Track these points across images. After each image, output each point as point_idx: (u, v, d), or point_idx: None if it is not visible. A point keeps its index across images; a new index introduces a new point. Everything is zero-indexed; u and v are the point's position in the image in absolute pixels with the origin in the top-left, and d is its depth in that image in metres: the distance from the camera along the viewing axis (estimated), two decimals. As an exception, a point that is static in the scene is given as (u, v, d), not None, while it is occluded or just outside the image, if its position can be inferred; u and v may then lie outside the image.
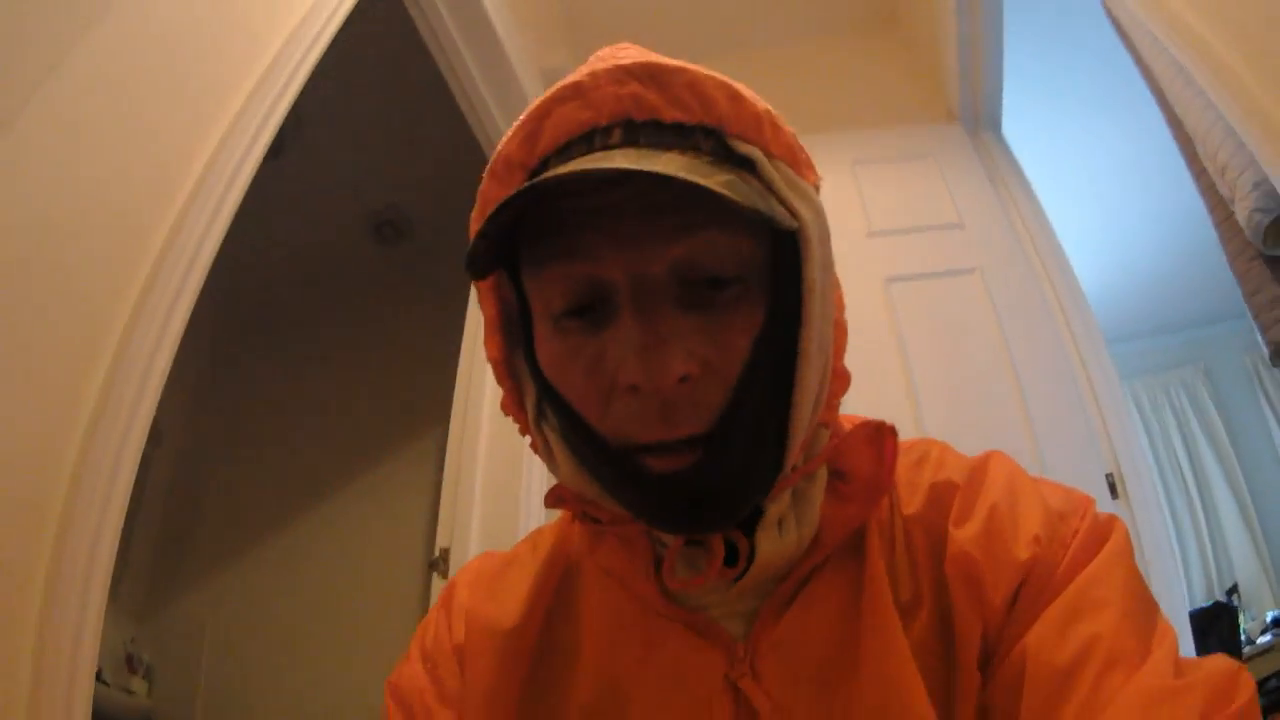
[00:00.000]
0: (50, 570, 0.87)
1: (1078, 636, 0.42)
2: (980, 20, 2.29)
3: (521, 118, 0.47)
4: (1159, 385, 5.02)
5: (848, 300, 0.53)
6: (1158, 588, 1.51)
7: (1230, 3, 1.08)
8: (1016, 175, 2.44)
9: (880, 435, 0.50)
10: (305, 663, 2.44)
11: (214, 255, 1.15)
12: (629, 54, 0.47)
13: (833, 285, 0.50)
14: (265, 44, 1.33)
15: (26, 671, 0.82)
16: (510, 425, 0.55)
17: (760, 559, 0.47)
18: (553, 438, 0.49)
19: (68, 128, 0.99)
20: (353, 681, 2.23)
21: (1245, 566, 4.35)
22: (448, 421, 2.04)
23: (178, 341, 1.07)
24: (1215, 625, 2.88)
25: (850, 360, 0.53)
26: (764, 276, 0.45)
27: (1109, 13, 1.42)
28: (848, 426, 0.51)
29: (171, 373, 1.06)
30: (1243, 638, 3.14)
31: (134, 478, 0.98)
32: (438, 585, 1.80)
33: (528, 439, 0.53)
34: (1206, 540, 4.51)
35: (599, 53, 0.49)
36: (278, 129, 1.29)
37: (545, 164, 0.46)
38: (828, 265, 0.48)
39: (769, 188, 0.45)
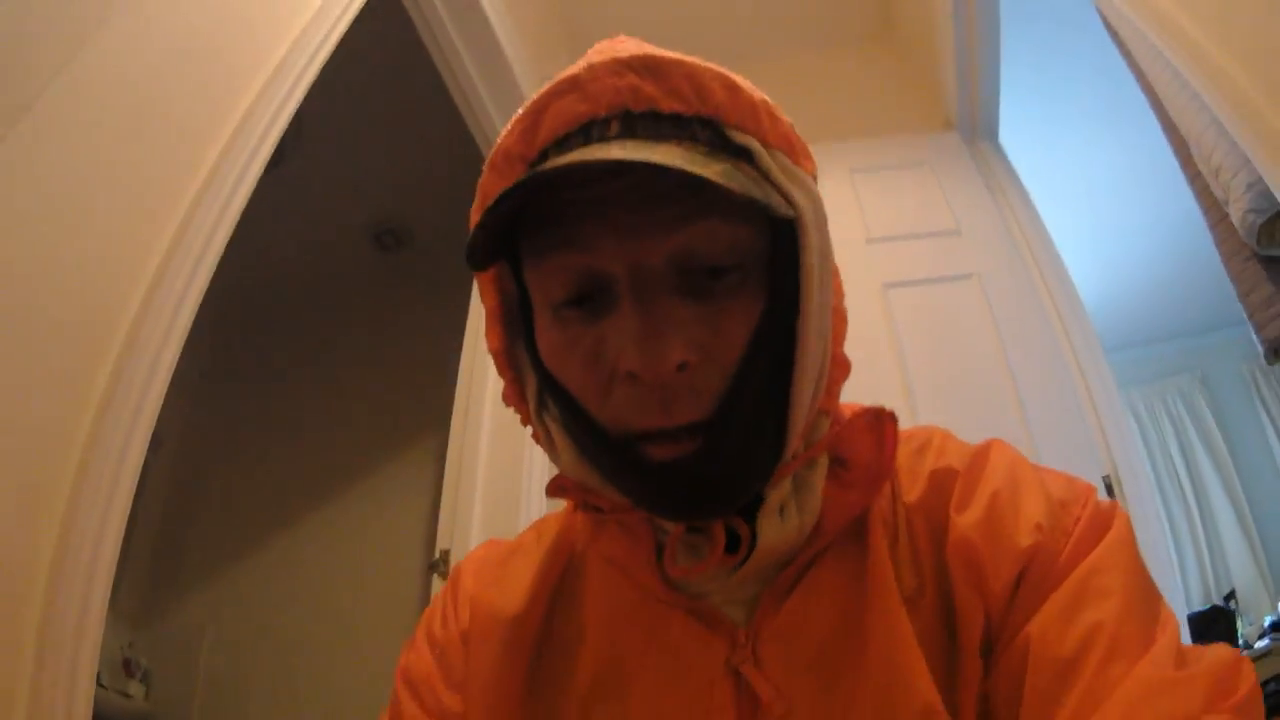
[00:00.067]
0: (52, 570, 0.87)
1: (1081, 625, 0.42)
2: (977, 30, 2.30)
3: (520, 111, 0.48)
4: (1156, 394, 5.03)
5: (846, 305, 0.53)
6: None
7: (1223, 6, 1.10)
8: (1013, 183, 2.45)
9: (880, 421, 0.50)
10: (304, 667, 2.44)
11: (218, 260, 1.15)
12: (626, 47, 0.48)
13: (831, 273, 0.50)
14: (270, 51, 1.34)
15: (27, 671, 0.82)
16: (511, 428, 0.56)
17: (762, 546, 0.47)
18: (554, 428, 0.50)
19: (71, 132, 1.00)
20: (352, 686, 2.22)
21: (1242, 572, 4.34)
22: (447, 426, 2.04)
23: (181, 345, 1.08)
24: (1212, 629, 2.88)
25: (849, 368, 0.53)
26: (762, 265, 0.46)
27: (1104, 19, 1.44)
28: (848, 414, 0.51)
29: (171, 377, 1.06)
30: (1240, 643, 3.14)
31: (137, 479, 0.99)
32: (438, 587, 1.80)
33: (529, 437, 0.54)
34: (1204, 547, 4.51)
35: (597, 46, 0.50)
36: (280, 136, 1.30)
37: (544, 156, 0.46)
38: (826, 253, 0.48)
39: (766, 177, 0.45)
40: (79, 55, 1.02)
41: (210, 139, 1.19)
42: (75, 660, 0.86)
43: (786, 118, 0.50)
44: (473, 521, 1.82)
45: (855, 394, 0.54)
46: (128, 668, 2.36)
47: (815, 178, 0.51)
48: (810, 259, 0.46)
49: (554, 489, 0.52)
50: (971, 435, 0.58)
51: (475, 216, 0.48)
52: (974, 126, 2.55)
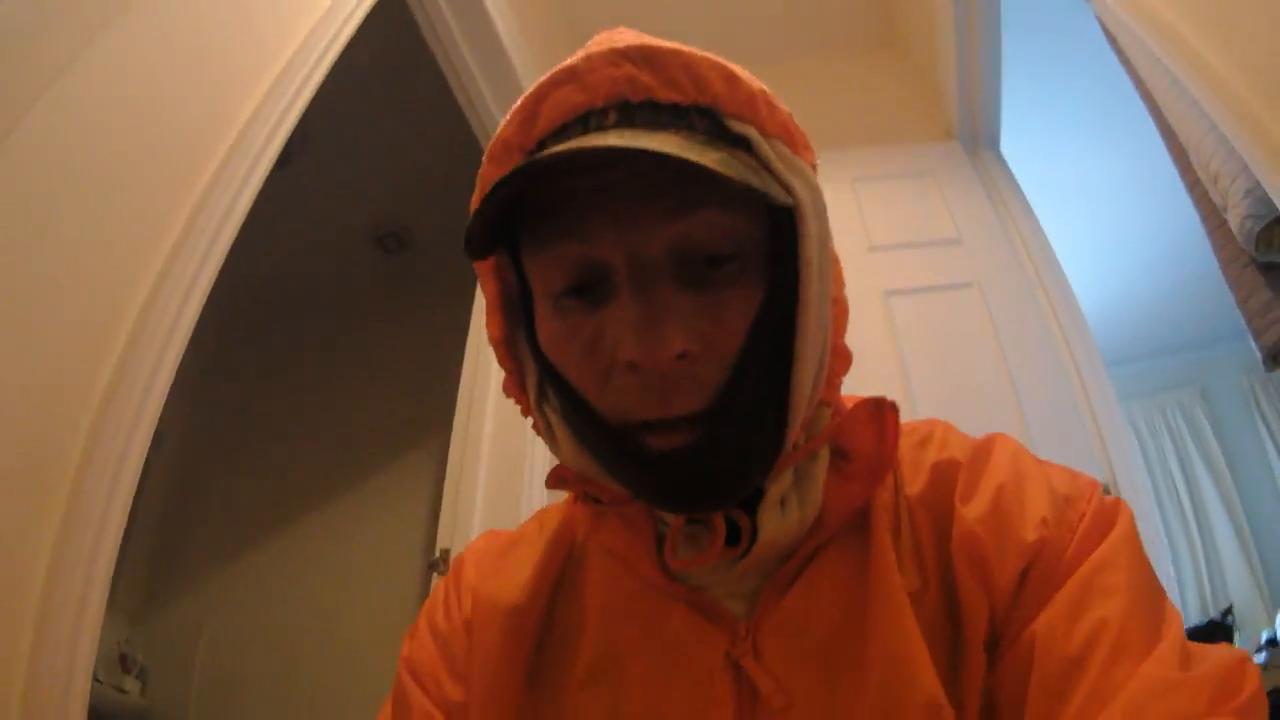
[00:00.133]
0: (52, 563, 0.87)
1: (1086, 623, 0.42)
2: (979, 41, 2.31)
3: (519, 102, 0.48)
4: (1155, 407, 5.03)
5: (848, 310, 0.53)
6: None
7: (1221, 12, 1.10)
8: (1014, 192, 2.46)
9: (881, 412, 0.50)
10: (301, 665, 2.43)
11: (223, 258, 1.15)
12: (625, 37, 0.48)
13: (831, 262, 0.49)
14: (278, 51, 1.34)
15: (23, 663, 0.81)
16: (513, 429, 0.56)
17: (763, 538, 0.47)
18: (554, 418, 0.49)
19: (78, 130, 1.00)
20: (348, 684, 2.22)
21: (1240, 587, 4.33)
22: (447, 428, 2.04)
23: (186, 342, 1.08)
24: (1209, 644, 2.87)
25: (849, 371, 0.53)
26: (761, 254, 0.46)
27: (1104, 27, 1.44)
28: (849, 405, 0.51)
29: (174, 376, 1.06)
30: (1238, 658, 3.12)
31: (139, 475, 0.99)
32: (437, 588, 1.79)
33: (531, 437, 0.54)
34: (1202, 561, 4.50)
35: (596, 37, 0.50)
36: (287, 138, 1.30)
37: (542, 146, 0.46)
38: (825, 242, 0.48)
39: (765, 166, 0.45)
40: (87, 52, 1.02)
41: (217, 139, 1.19)
42: (72, 654, 0.86)
43: (785, 107, 0.50)
44: (474, 521, 1.81)
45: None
46: (124, 663, 2.36)
47: (815, 168, 0.51)
48: (809, 248, 0.46)
49: (554, 480, 0.52)
50: (970, 439, 0.57)
51: (474, 206, 0.48)
52: (975, 136, 2.55)
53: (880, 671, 0.44)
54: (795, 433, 0.47)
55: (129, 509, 0.96)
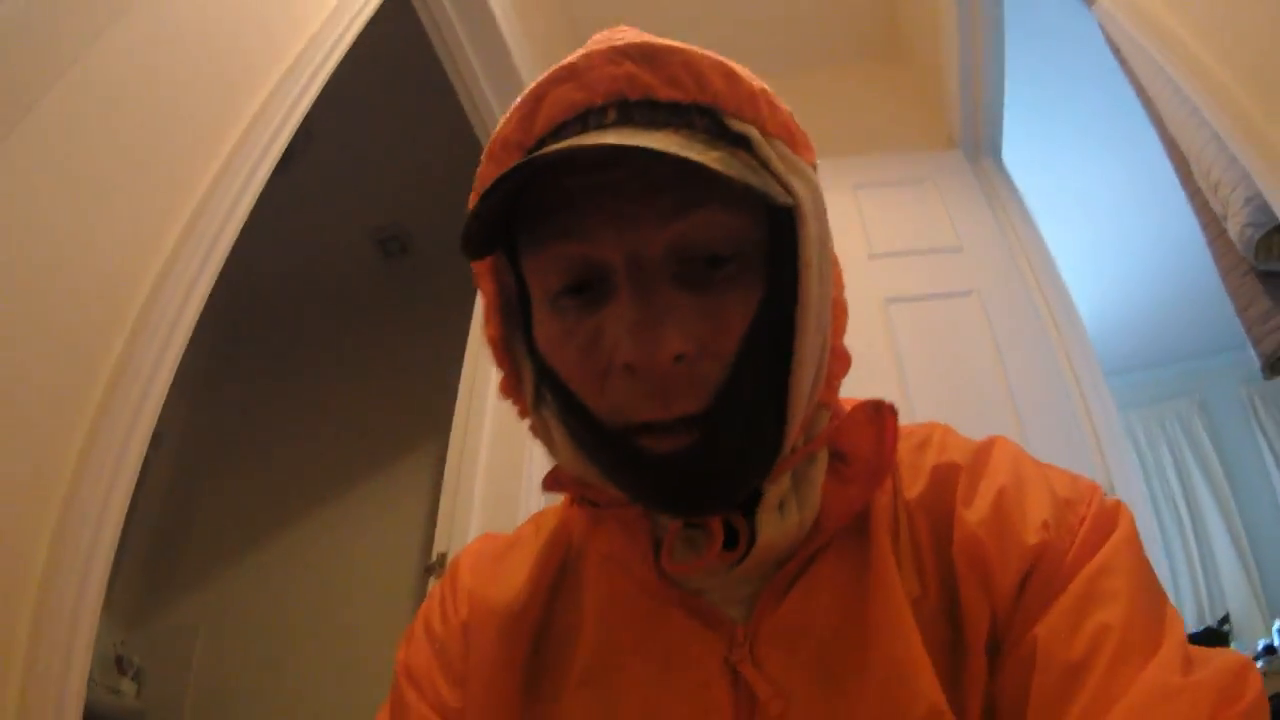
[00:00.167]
0: (48, 564, 0.86)
1: (1088, 628, 0.41)
2: (981, 49, 2.32)
3: (518, 100, 0.47)
4: (1154, 417, 5.02)
5: (847, 316, 0.53)
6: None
7: (1224, 22, 1.11)
8: (1015, 201, 2.46)
9: (880, 415, 0.49)
10: (297, 668, 2.42)
11: (225, 257, 1.15)
12: (625, 35, 0.47)
13: (831, 263, 0.49)
14: (285, 49, 1.35)
15: (19, 664, 0.81)
16: (512, 431, 0.55)
17: (761, 542, 0.46)
18: (551, 420, 0.49)
19: (83, 125, 1.00)
20: (344, 688, 2.21)
21: (1237, 596, 4.32)
22: (445, 432, 2.04)
23: (186, 341, 1.08)
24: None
25: (848, 377, 0.53)
26: (761, 255, 0.45)
27: (1106, 35, 1.44)
28: (848, 408, 0.51)
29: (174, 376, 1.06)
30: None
31: (137, 475, 0.98)
32: (433, 591, 1.78)
33: (529, 441, 0.53)
34: (1199, 570, 4.49)
35: (596, 35, 0.49)
36: (291, 136, 1.30)
37: (541, 145, 0.45)
38: (825, 243, 0.48)
39: (765, 165, 0.45)
40: (94, 47, 1.02)
41: (220, 138, 1.19)
42: (68, 655, 0.86)
43: (786, 106, 0.49)
44: (471, 525, 1.81)
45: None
46: (120, 665, 2.36)
47: (815, 167, 0.50)
48: (809, 250, 0.45)
49: (550, 483, 0.52)
50: (969, 449, 0.57)
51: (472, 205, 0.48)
52: (977, 144, 2.56)
53: (880, 677, 0.44)
54: (794, 434, 0.46)
55: (127, 508, 0.96)
